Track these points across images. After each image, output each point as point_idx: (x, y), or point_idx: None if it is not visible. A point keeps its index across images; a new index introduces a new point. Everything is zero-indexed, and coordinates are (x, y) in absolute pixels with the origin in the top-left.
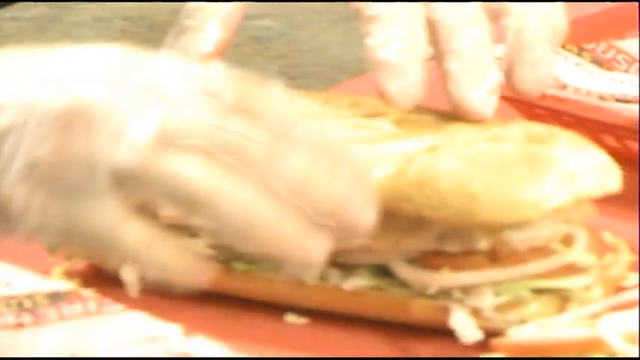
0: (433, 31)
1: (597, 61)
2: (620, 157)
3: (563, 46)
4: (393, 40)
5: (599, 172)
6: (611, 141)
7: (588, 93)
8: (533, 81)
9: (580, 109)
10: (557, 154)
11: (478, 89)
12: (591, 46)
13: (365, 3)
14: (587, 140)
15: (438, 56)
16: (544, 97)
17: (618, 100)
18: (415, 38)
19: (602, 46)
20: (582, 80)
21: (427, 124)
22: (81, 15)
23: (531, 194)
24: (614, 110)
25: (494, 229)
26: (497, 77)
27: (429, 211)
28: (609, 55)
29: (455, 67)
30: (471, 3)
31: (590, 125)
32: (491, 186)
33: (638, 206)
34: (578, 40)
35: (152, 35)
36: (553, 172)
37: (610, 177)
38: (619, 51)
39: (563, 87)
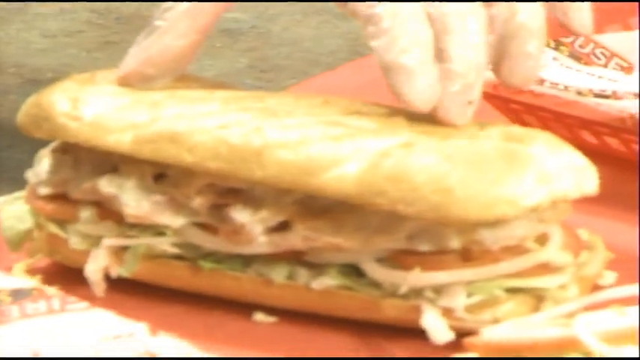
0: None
1: (575, 56)
2: (599, 154)
3: None
4: (400, 40)
5: (576, 173)
6: (589, 137)
7: (566, 88)
8: (521, 74)
9: (557, 105)
10: (535, 153)
11: (460, 100)
12: (569, 39)
13: (363, 2)
14: (565, 140)
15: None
16: (520, 91)
17: (596, 96)
18: (422, 36)
19: (580, 40)
20: (560, 75)
21: (402, 122)
22: (46, 6)
23: (509, 191)
24: (592, 106)
25: (468, 227)
26: (480, 88)
27: (402, 206)
28: (587, 50)
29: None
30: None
31: (568, 121)
32: (467, 181)
33: (637, 208)
34: (555, 33)
35: (119, 27)
36: (531, 170)
37: (587, 179)
38: (597, 45)
39: (540, 82)
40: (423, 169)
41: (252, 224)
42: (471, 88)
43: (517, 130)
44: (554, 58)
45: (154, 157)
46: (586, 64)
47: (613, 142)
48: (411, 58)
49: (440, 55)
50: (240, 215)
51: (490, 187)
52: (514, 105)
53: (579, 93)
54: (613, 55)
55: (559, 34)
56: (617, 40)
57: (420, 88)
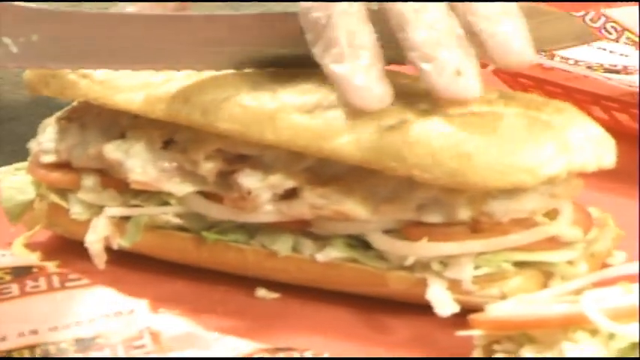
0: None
1: None
2: (609, 130)
3: None
4: (334, 46)
5: (595, 145)
6: (599, 113)
7: (576, 62)
8: (507, 55)
9: (566, 80)
10: (555, 123)
11: (443, 75)
12: (580, 14)
13: (304, 5)
14: (583, 112)
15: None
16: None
17: (607, 71)
18: (361, 38)
19: (591, 14)
20: (570, 50)
21: (422, 91)
22: None
23: (528, 159)
24: (601, 80)
25: (479, 197)
26: (460, 57)
27: (419, 172)
28: (598, 24)
29: (413, 57)
30: None
31: (577, 96)
32: (486, 148)
33: (637, 183)
34: (565, 7)
35: None
36: (551, 139)
37: (606, 151)
38: (608, 19)
39: (551, 56)
40: (442, 135)
41: (259, 190)
42: (450, 60)
43: (537, 99)
44: None
45: (166, 117)
46: (597, 38)
47: (623, 118)
48: (343, 66)
49: (405, 44)
50: (248, 180)
51: (509, 155)
52: (522, 79)
53: (590, 67)
54: (624, 29)
55: (569, 8)
56: (629, 14)
57: (360, 89)
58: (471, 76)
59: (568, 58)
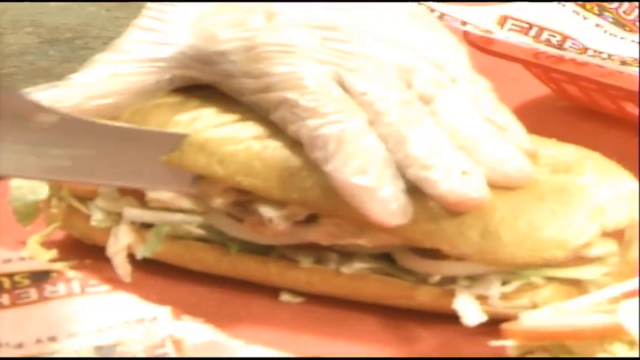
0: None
1: (620, 23)
2: None
3: (583, 6)
4: (352, 160)
5: (627, 200)
6: (632, 109)
7: (609, 57)
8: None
9: (601, 75)
10: (585, 184)
11: (450, 178)
12: (613, 5)
13: (307, 124)
14: (608, 111)
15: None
16: (562, 60)
17: None
18: (376, 152)
19: (625, 6)
20: (603, 43)
21: None
22: None
23: (558, 233)
24: (636, 76)
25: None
26: (463, 158)
27: (447, 247)
28: (632, 16)
29: (413, 172)
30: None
31: (612, 92)
32: (514, 222)
33: (637, 171)
34: None
35: None
36: (581, 206)
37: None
38: None
39: (584, 50)
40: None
41: (280, 218)
42: (450, 162)
43: (566, 152)
44: (598, 25)
45: (183, 165)
46: (631, 31)
47: None
48: (366, 177)
49: (405, 162)
50: (266, 210)
51: (538, 230)
52: (555, 74)
53: (623, 62)
54: None
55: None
56: None
57: (384, 203)
58: (478, 175)
59: (601, 52)
